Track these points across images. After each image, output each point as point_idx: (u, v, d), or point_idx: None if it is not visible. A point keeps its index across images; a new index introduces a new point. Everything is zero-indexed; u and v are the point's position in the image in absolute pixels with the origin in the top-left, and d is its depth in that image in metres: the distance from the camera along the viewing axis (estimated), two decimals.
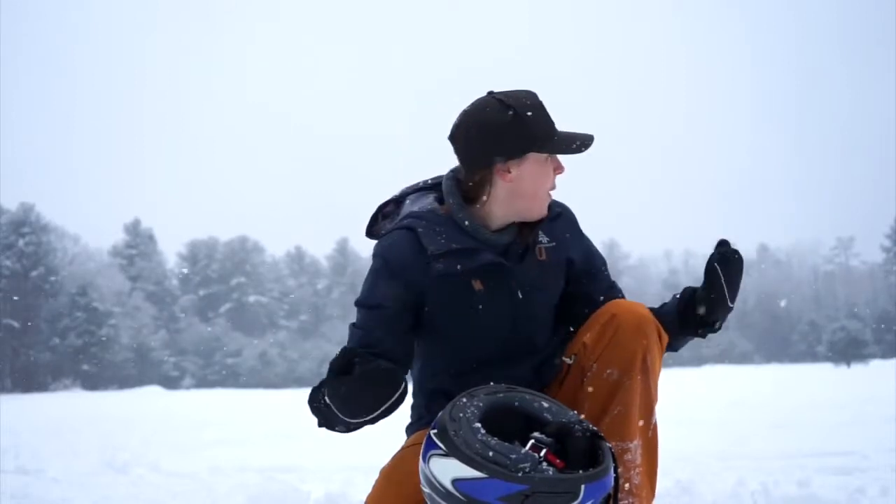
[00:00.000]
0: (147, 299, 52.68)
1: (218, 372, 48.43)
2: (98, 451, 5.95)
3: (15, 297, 43.53)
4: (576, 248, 2.46)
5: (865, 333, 41.17)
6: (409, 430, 2.50)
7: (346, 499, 2.81)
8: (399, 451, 2.40)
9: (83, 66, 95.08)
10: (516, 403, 2.10)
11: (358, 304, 2.40)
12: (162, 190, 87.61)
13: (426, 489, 2.05)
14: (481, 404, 2.05)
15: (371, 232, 2.49)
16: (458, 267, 2.31)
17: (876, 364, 33.96)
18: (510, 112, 2.32)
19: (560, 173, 2.38)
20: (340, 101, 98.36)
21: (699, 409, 8.53)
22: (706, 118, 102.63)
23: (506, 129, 2.31)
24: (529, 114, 2.33)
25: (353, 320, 2.40)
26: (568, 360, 2.38)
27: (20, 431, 8.27)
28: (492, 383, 2.19)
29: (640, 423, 2.31)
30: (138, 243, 56.90)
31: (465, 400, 2.07)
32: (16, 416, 12.41)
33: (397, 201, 2.49)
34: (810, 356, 45.08)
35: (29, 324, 43.44)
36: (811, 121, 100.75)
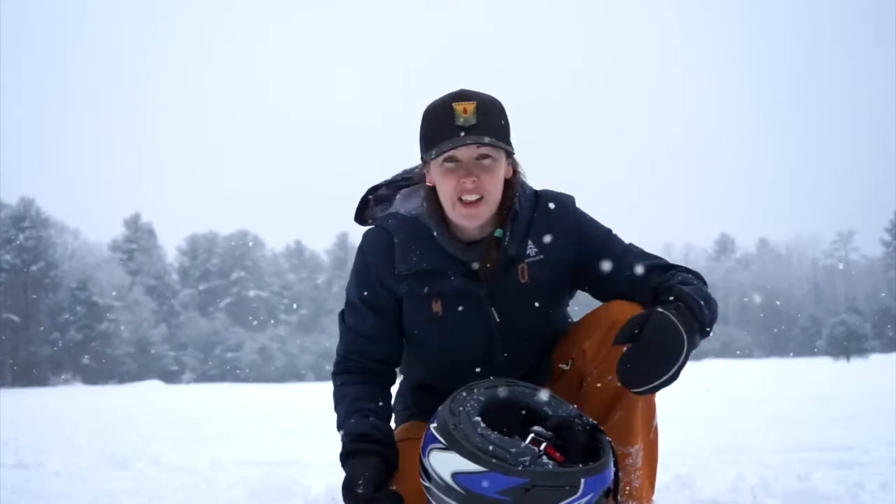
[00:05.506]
0: (147, 293, 52.70)
1: (218, 366, 48.46)
2: (98, 445, 5.95)
3: (14, 292, 43.50)
4: (570, 248, 2.33)
5: (865, 328, 41.14)
6: (396, 418, 2.51)
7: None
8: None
9: (83, 61, 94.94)
10: (516, 397, 2.10)
11: (347, 300, 2.41)
12: (162, 184, 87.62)
13: (426, 483, 2.05)
14: (481, 398, 2.05)
15: (361, 217, 2.45)
16: (425, 290, 2.30)
17: (876, 358, 33.95)
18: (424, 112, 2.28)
19: (466, 182, 2.19)
20: (341, 95, 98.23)
21: (698, 404, 8.53)
22: (706, 112, 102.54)
23: (420, 129, 2.27)
24: (427, 114, 2.26)
25: (344, 311, 2.42)
26: (564, 366, 2.35)
27: (20, 426, 8.28)
28: (491, 377, 2.20)
29: (643, 427, 2.29)
30: (138, 238, 56.92)
31: (464, 394, 2.07)
32: (16, 410, 12.41)
33: (392, 185, 2.44)
34: (810, 350, 45.06)
35: (29, 318, 43.44)
36: (811, 115, 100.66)
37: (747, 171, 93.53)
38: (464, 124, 2.17)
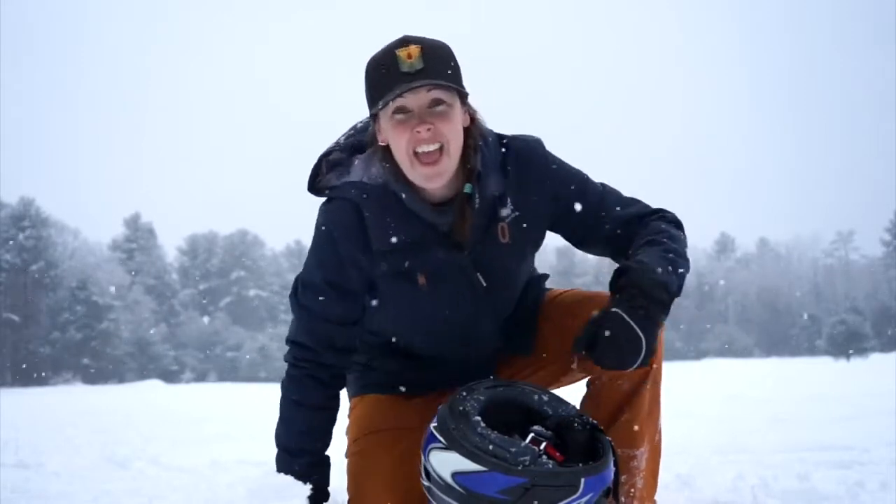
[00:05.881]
0: (147, 293, 52.72)
1: (218, 366, 48.46)
2: (98, 445, 5.95)
3: (14, 291, 43.49)
4: (546, 198, 2.19)
5: (865, 327, 41.15)
6: (351, 380, 2.39)
7: (345, 492, 2.81)
8: (357, 444, 2.33)
9: (83, 61, 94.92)
10: (516, 397, 2.10)
11: (306, 281, 2.22)
12: (161, 184, 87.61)
13: (426, 482, 2.05)
14: (481, 398, 2.05)
15: (314, 186, 2.20)
16: (406, 264, 2.15)
17: (876, 358, 33.93)
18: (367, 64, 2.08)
19: (421, 130, 2.01)
20: (341, 95, 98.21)
21: (698, 403, 8.53)
22: (706, 112, 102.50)
23: (364, 85, 2.09)
24: (369, 66, 2.07)
25: (297, 293, 2.24)
26: (573, 366, 2.30)
27: (20, 425, 8.27)
28: (492, 377, 2.20)
29: (649, 430, 2.27)
30: (138, 237, 56.92)
31: (464, 393, 2.06)
32: (16, 410, 12.40)
33: (347, 149, 2.21)
34: (810, 350, 45.11)
35: (29, 318, 43.43)
36: (811, 115, 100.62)
37: (747, 171, 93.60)
38: (409, 70, 1.99)
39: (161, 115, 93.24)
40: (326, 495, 2.26)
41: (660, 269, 2.03)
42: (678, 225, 2.21)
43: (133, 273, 53.93)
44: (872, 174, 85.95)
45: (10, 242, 45.72)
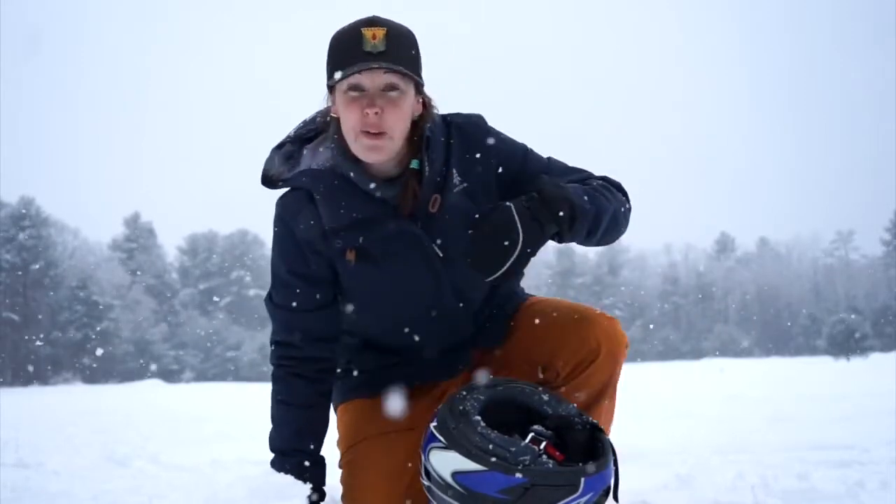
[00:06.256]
0: (147, 293, 52.72)
1: (218, 365, 48.48)
2: (98, 444, 5.94)
3: (14, 291, 43.50)
4: (490, 170, 2.21)
5: (865, 327, 41.12)
6: (337, 385, 2.39)
7: (341, 496, 2.81)
8: (347, 454, 2.33)
9: (83, 61, 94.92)
10: (516, 396, 2.10)
11: (273, 278, 2.26)
12: (161, 183, 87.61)
13: (426, 482, 2.05)
14: (481, 397, 2.05)
15: (268, 179, 2.22)
16: (360, 240, 2.16)
17: (875, 357, 33.91)
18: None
19: (369, 112, 2.05)
20: None
21: (698, 403, 8.53)
22: (706, 112, 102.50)
23: (326, 55, 2.14)
24: (334, 38, 2.12)
25: (270, 294, 2.26)
26: (540, 372, 2.29)
27: (20, 425, 8.27)
28: (491, 377, 2.20)
29: None
30: (138, 237, 56.93)
31: (464, 393, 2.07)
32: (16, 409, 12.40)
33: (297, 141, 2.25)
34: (810, 349, 45.10)
35: (29, 317, 43.43)
36: (811, 114, 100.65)
37: (747, 170, 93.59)
38: (371, 50, 2.04)
39: (161, 115, 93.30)
40: (323, 495, 2.26)
41: (573, 192, 2.01)
42: (619, 188, 2.21)
43: (133, 273, 53.93)
44: (872, 174, 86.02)
45: (11, 242, 45.72)
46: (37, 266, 46.09)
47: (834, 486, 3.07)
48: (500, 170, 2.21)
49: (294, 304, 2.23)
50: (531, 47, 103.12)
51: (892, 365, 18.16)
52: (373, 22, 2.08)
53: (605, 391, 2.27)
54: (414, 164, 2.16)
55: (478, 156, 2.20)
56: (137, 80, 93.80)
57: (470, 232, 1.99)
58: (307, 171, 2.17)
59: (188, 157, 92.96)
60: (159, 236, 59.06)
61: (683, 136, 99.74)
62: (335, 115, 2.15)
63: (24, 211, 46.85)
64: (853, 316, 41.71)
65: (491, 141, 2.22)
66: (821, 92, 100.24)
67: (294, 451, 2.25)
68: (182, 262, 59.78)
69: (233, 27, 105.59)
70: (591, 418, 2.06)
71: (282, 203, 2.23)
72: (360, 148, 2.09)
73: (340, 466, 2.36)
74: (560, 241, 2.03)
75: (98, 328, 45.51)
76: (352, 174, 2.14)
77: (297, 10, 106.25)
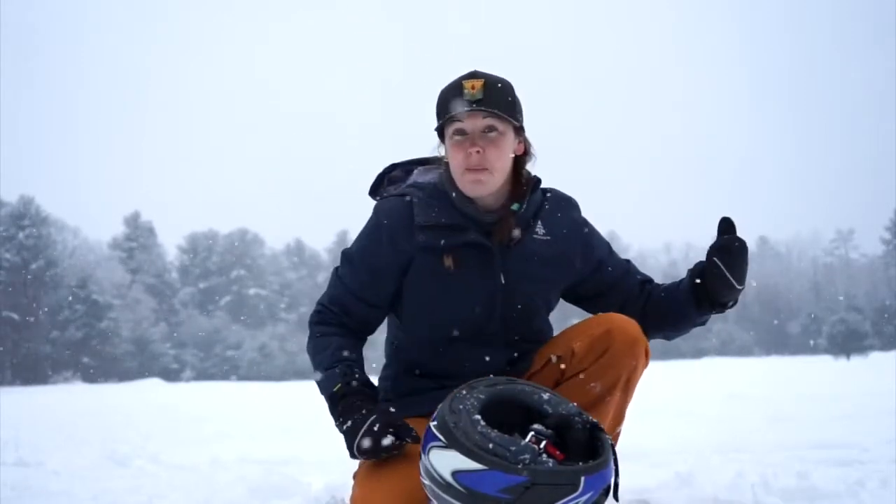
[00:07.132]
0: (147, 292, 52.69)
1: (218, 364, 48.46)
2: (98, 443, 5.95)
3: (14, 290, 43.48)
4: (574, 246, 2.45)
5: (865, 326, 41.13)
6: None
7: (346, 490, 2.81)
8: (363, 465, 2.33)
9: (83, 61, 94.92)
10: (516, 395, 2.10)
11: (348, 255, 2.44)
12: (161, 182, 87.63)
13: (426, 481, 2.05)
14: (482, 396, 2.05)
15: (375, 192, 2.52)
16: (442, 241, 2.35)
17: (875, 356, 33.95)
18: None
19: (472, 152, 2.31)
20: (341, 95, 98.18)
21: (698, 402, 8.54)
22: (706, 112, 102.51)
23: (436, 104, 2.38)
24: (441, 92, 2.38)
25: (338, 266, 2.45)
26: (553, 359, 2.39)
27: (20, 424, 8.28)
28: (492, 376, 2.20)
29: (609, 432, 2.33)
30: (138, 236, 56.88)
31: (464, 392, 2.06)
32: (16, 408, 12.41)
33: (406, 169, 2.52)
34: (810, 349, 45.05)
35: (29, 316, 43.40)
36: (811, 113, 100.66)
37: (747, 170, 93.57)
38: (471, 98, 2.29)
39: (161, 114, 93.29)
40: (375, 391, 2.34)
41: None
42: None
43: (133, 272, 53.90)
44: (872, 173, 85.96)
45: (11, 241, 45.70)
46: (36, 265, 46.05)
47: (834, 485, 3.07)
48: (586, 250, 2.47)
49: (350, 283, 2.40)
50: (531, 47, 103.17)
51: (892, 364, 18.17)
52: (472, 75, 2.35)
53: (619, 384, 2.34)
54: (514, 207, 2.38)
55: (569, 225, 2.46)
56: (137, 79, 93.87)
57: (736, 244, 2.33)
58: (413, 183, 2.43)
59: (188, 157, 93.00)
60: (159, 235, 59.06)
61: (683, 136, 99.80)
62: (446, 161, 2.39)
63: (23, 210, 46.83)
64: (853, 315, 41.70)
65: (584, 223, 2.50)
66: (821, 92, 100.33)
67: (338, 360, 2.34)
68: (182, 261, 59.74)
69: (233, 27, 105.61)
70: (591, 417, 2.06)
71: (381, 204, 2.45)
72: (465, 183, 2.33)
73: (354, 478, 2.37)
74: (714, 303, 2.39)
75: (98, 327, 45.49)
76: (454, 195, 2.37)
77: (297, 10, 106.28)
